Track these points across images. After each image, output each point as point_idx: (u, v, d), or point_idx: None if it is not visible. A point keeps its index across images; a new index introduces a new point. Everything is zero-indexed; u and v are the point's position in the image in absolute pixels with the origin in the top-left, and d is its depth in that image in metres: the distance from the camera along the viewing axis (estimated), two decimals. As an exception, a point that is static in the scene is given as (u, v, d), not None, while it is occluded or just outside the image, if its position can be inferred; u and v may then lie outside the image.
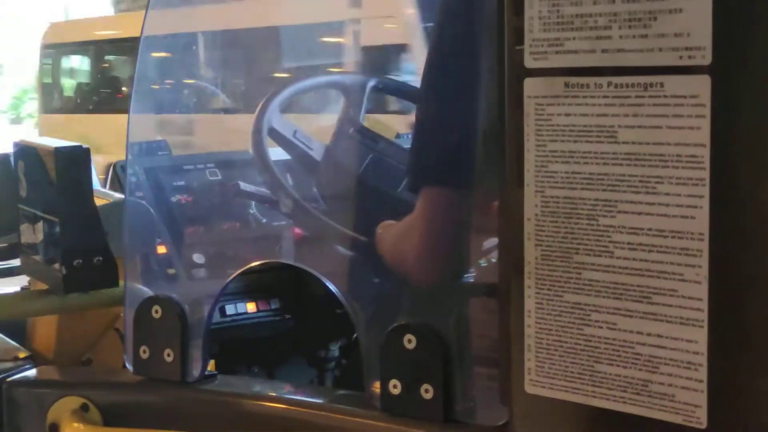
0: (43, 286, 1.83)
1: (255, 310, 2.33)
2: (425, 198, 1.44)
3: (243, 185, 1.97)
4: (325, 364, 2.22)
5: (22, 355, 1.83)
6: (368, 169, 1.77)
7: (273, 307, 2.31)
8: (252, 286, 2.12)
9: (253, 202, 1.98)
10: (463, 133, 1.35)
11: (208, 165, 2.11)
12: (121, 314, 1.86)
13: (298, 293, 2.28)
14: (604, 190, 1.12)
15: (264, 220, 1.82)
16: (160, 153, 2.21)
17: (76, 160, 1.69)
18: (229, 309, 2.21)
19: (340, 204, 1.70)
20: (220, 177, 2.10)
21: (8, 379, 1.70)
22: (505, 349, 1.24)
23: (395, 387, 1.38)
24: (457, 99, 1.35)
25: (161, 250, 1.84)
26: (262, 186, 1.95)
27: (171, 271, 1.75)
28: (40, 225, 1.74)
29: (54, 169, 1.67)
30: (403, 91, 2.17)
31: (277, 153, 1.99)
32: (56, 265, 1.70)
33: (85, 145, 1.69)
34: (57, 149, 1.68)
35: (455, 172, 1.38)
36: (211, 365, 1.64)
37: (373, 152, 1.93)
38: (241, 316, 2.27)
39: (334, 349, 2.22)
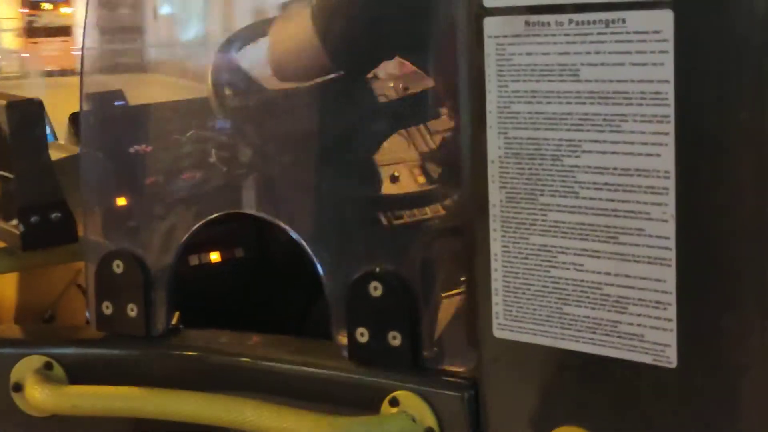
0: (1, 244, 1.80)
1: (219, 260, 2.31)
2: None
3: (202, 133, 1.93)
4: (291, 314, 2.21)
5: (-18, 314, 1.80)
6: (326, 111, 1.75)
7: (237, 256, 2.29)
8: (215, 235, 2.09)
9: (213, 151, 1.95)
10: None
11: (167, 114, 2.07)
12: (83, 270, 1.83)
13: (262, 242, 2.26)
14: (567, 130, 1.10)
15: (224, 169, 1.79)
16: (116, 103, 2.17)
17: (29, 114, 1.65)
18: (193, 260, 2.18)
19: (298, 148, 1.67)
20: (179, 125, 2.06)
21: (-31, 340, 1.68)
22: (472, 294, 1.22)
23: (362, 335, 1.37)
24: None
25: (120, 202, 1.81)
26: (221, 134, 1.91)
27: (131, 223, 1.72)
28: (-5, 182, 1.71)
29: (6, 124, 1.63)
30: None
31: (234, 101, 1.95)
32: (13, 222, 1.67)
33: (37, 99, 1.66)
34: (9, 103, 1.63)
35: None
36: (176, 316, 1.62)
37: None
38: (204, 267, 2.25)
39: (301, 298, 2.20)
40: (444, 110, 1.50)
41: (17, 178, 1.64)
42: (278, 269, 2.25)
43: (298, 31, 1.65)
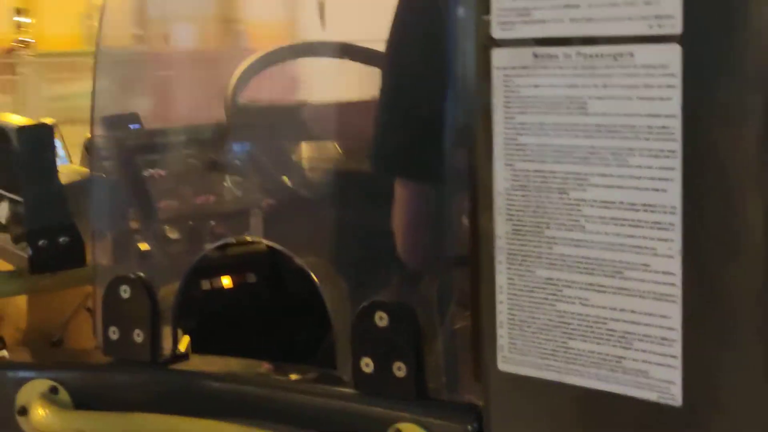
0: (10, 267, 1.80)
1: (231, 285, 2.30)
2: (398, 190, 1.41)
3: (216, 158, 1.94)
4: (299, 342, 2.20)
5: (-10, 336, 1.80)
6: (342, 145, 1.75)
7: (249, 281, 2.29)
8: (227, 260, 2.09)
9: (227, 176, 1.95)
10: (431, 117, 1.32)
11: (182, 138, 2.08)
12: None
13: (274, 267, 2.26)
14: (574, 163, 1.09)
15: (229, 196, 1.79)
16: (131, 126, 2.17)
17: (40, 137, 1.65)
18: (205, 284, 2.18)
19: (313, 180, 1.67)
20: (193, 150, 2.06)
21: (-23, 363, 1.68)
22: (477, 326, 1.21)
23: (367, 365, 1.36)
24: (424, 75, 1.32)
25: (129, 227, 1.81)
26: (235, 159, 1.92)
27: (139, 248, 1.72)
28: (4, 204, 1.71)
29: (17, 148, 1.63)
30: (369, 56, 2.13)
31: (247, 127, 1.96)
32: (22, 246, 1.67)
33: (49, 123, 1.66)
34: (20, 127, 1.64)
35: (424, 165, 1.35)
36: (185, 342, 1.62)
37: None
38: (216, 291, 2.25)
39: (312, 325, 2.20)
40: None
41: (26, 201, 1.64)
42: (290, 295, 2.25)
43: None
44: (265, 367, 1.56)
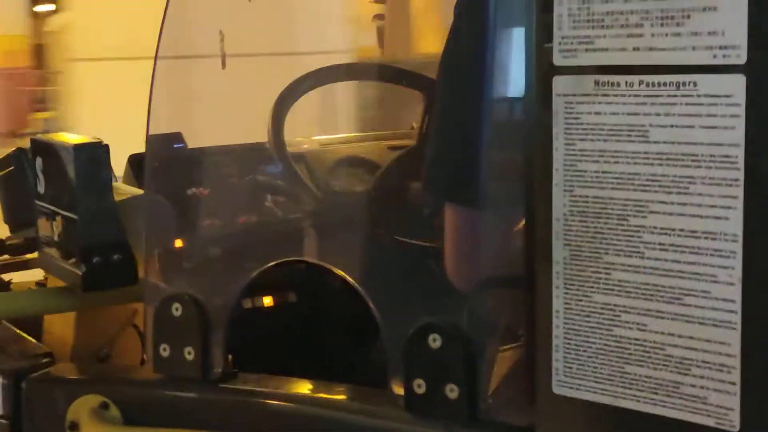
0: (60, 282, 1.82)
1: (272, 304, 2.32)
2: (448, 214, 1.42)
3: (260, 178, 1.95)
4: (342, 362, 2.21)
5: (40, 352, 1.82)
6: (392, 164, 1.76)
7: (290, 300, 2.30)
8: (269, 279, 2.11)
9: (270, 196, 1.97)
10: (484, 145, 1.33)
11: (225, 157, 2.10)
12: (140, 310, 1.85)
13: (315, 287, 2.27)
14: (634, 190, 1.10)
15: (283, 215, 1.81)
16: (175, 145, 2.20)
17: (95, 156, 1.68)
18: (246, 303, 2.19)
19: (362, 197, 1.69)
20: (237, 169, 2.08)
21: (27, 377, 1.69)
22: (533, 350, 1.22)
23: (419, 386, 1.37)
24: (476, 103, 1.34)
25: (179, 245, 1.83)
26: (280, 179, 1.94)
27: (191, 267, 1.74)
28: (58, 221, 1.73)
29: (73, 166, 1.66)
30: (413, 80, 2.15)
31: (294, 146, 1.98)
32: (75, 263, 1.69)
33: (104, 142, 1.68)
34: (76, 146, 1.66)
35: (477, 192, 1.36)
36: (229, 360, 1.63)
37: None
38: (258, 310, 2.26)
39: (350, 347, 2.21)
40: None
41: (81, 218, 1.66)
42: (329, 315, 2.26)
43: None
44: (314, 385, 1.57)
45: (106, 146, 1.68)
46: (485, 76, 1.35)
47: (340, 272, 1.55)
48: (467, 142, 1.39)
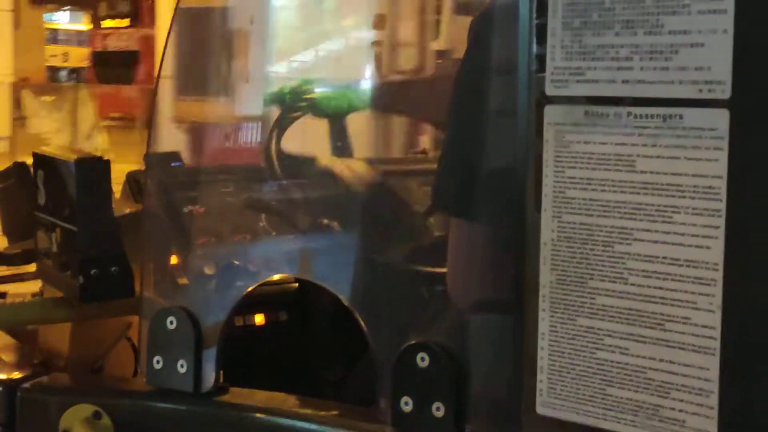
0: (57, 293, 1.85)
1: (263, 322, 2.35)
2: (453, 229, 1.46)
3: (255, 197, 1.98)
4: (329, 379, 2.24)
5: (35, 361, 1.85)
6: (385, 183, 1.80)
7: (281, 319, 2.34)
8: (259, 298, 2.14)
9: (264, 215, 2.00)
10: (488, 163, 1.37)
11: (220, 176, 2.13)
12: (134, 323, 1.88)
13: (305, 306, 2.30)
14: (620, 218, 1.14)
15: (277, 234, 1.84)
16: (172, 164, 2.23)
17: (97, 171, 1.71)
18: (238, 320, 2.23)
19: (354, 219, 1.72)
20: (231, 189, 2.11)
21: (21, 386, 1.72)
22: (518, 370, 1.26)
23: (407, 404, 1.40)
24: (483, 128, 1.38)
25: (175, 261, 1.86)
26: (273, 198, 1.97)
27: (187, 282, 1.76)
28: (57, 233, 1.76)
29: (74, 180, 1.69)
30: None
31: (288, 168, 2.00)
32: (73, 274, 1.72)
33: (105, 157, 1.72)
34: (78, 160, 1.70)
35: (480, 205, 1.40)
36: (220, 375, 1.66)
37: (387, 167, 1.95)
38: (249, 328, 2.29)
39: (338, 365, 2.24)
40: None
41: (81, 231, 1.70)
42: (318, 334, 2.29)
43: None
44: (303, 402, 1.60)
45: (107, 161, 1.71)
46: (486, 102, 1.39)
47: (332, 290, 1.58)
48: (472, 162, 1.42)
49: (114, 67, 17.92)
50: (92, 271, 1.70)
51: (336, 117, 2.08)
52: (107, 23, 18.98)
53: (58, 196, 1.75)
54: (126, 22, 18.57)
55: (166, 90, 1.88)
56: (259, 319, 2.32)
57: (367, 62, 2.00)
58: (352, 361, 2.14)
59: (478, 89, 1.35)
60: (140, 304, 1.73)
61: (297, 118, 2.18)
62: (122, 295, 1.74)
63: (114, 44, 18.61)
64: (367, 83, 2.04)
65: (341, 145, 2.14)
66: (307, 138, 2.23)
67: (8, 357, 1.88)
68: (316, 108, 2.15)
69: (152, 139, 1.82)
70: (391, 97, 2.10)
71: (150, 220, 1.78)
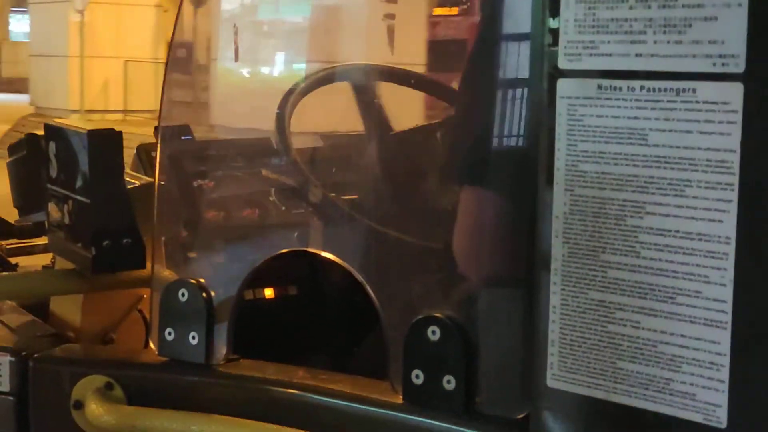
0: (68, 265, 1.86)
1: (272, 295, 2.35)
2: (463, 197, 1.46)
3: (266, 171, 1.98)
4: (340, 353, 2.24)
5: (47, 332, 1.86)
6: (394, 157, 1.80)
7: (291, 293, 2.34)
8: (270, 271, 2.14)
9: (274, 189, 2.00)
10: (500, 134, 1.37)
11: (230, 150, 2.13)
12: (145, 295, 1.89)
13: (316, 280, 2.30)
14: (632, 192, 1.14)
15: (288, 208, 1.84)
16: (183, 138, 2.23)
17: (109, 142, 1.71)
18: (248, 294, 2.23)
19: (365, 192, 1.72)
20: (242, 163, 2.12)
21: (34, 356, 1.73)
22: (529, 344, 1.26)
23: (417, 377, 1.40)
24: (496, 100, 1.38)
25: (186, 234, 1.87)
26: (284, 173, 1.97)
27: (198, 254, 1.77)
28: (69, 205, 1.77)
29: (86, 151, 1.69)
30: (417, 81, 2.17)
31: (299, 141, 2.01)
32: (85, 246, 1.73)
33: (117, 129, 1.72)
34: (90, 132, 1.70)
35: (493, 174, 1.40)
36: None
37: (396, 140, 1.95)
38: (259, 302, 2.29)
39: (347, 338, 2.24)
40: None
41: (93, 203, 1.70)
42: (327, 308, 2.29)
43: None
44: (313, 374, 1.61)
45: (119, 133, 1.72)
46: (500, 74, 1.39)
47: (344, 264, 1.58)
48: (484, 134, 1.42)
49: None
50: (104, 243, 1.70)
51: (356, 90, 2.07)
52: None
53: (70, 168, 1.75)
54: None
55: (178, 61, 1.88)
56: (269, 292, 2.32)
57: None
58: (363, 334, 2.14)
59: (491, 61, 1.35)
60: (152, 276, 1.73)
61: (310, 90, 2.17)
62: (134, 266, 1.75)
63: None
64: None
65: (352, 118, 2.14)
66: (319, 111, 2.23)
67: (20, 328, 1.89)
68: (327, 81, 2.15)
69: (164, 112, 1.82)
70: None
71: (161, 193, 1.78)
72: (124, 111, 18.21)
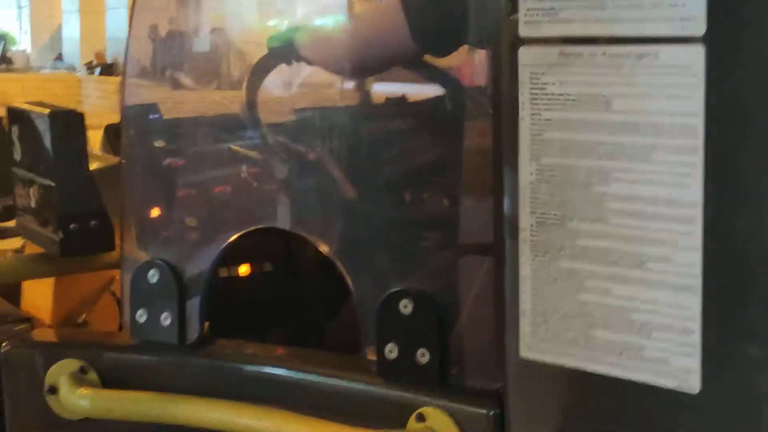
0: (39, 249, 1.84)
1: (248, 272, 2.34)
2: None
3: (234, 147, 1.96)
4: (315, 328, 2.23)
5: (19, 317, 1.84)
6: (361, 130, 1.78)
7: (266, 270, 2.32)
8: (245, 248, 2.13)
9: (245, 165, 1.98)
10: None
11: (199, 128, 2.11)
12: (117, 277, 1.87)
13: (290, 256, 2.29)
14: (598, 159, 1.13)
15: (257, 184, 1.82)
16: (151, 116, 2.21)
17: (71, 124, 1.69)
18: (222, 272, 2.21)
19: (335, 168, 1.70)
20: (211, 140, 2.09)
21: (6, 342, 1.71)
22: (501, 315, 1.25)
23: (391, 351, 1.40)
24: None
25: (156, 213, 1.85)
26: (253, 148, 1.95)
27: (168, 234, 1.75)
28: (35, 188, 1.75)
29: (49, 133, 1.67)
30: None
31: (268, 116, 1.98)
32: (52, 229, 1.71)
33: (79, 110, 1.70)
34: (52, 113, 1.68)
35: None
36: (206, 327, 1.65)
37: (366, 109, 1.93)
38: (233, 279, 2.28)
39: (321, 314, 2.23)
40: (475, 134, 1.53)
41: (58, 186, 1.68)
42: (302, 284, 2.28)
43: (383, 12, 1.70)
44: (289, 351, 1.60)
45: (81, 114, 1.70)
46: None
47: (313, 240, 1.57)
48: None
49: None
50: (71, 226, 1.69)
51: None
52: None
53: (34, 150, 1.73)
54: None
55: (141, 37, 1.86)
56: (243, 269, 2.31)
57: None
58: (337, 309, 2.13)
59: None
60: (121, 257, 1.72)
61: (276, 64, 2.15)
62: (102, 249, 1.73)
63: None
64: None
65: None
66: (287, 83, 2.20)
67: (-8, 313, 1.88)
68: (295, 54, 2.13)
69: (127, 91, 1.80)
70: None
71: (129, 173, 1.76)
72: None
